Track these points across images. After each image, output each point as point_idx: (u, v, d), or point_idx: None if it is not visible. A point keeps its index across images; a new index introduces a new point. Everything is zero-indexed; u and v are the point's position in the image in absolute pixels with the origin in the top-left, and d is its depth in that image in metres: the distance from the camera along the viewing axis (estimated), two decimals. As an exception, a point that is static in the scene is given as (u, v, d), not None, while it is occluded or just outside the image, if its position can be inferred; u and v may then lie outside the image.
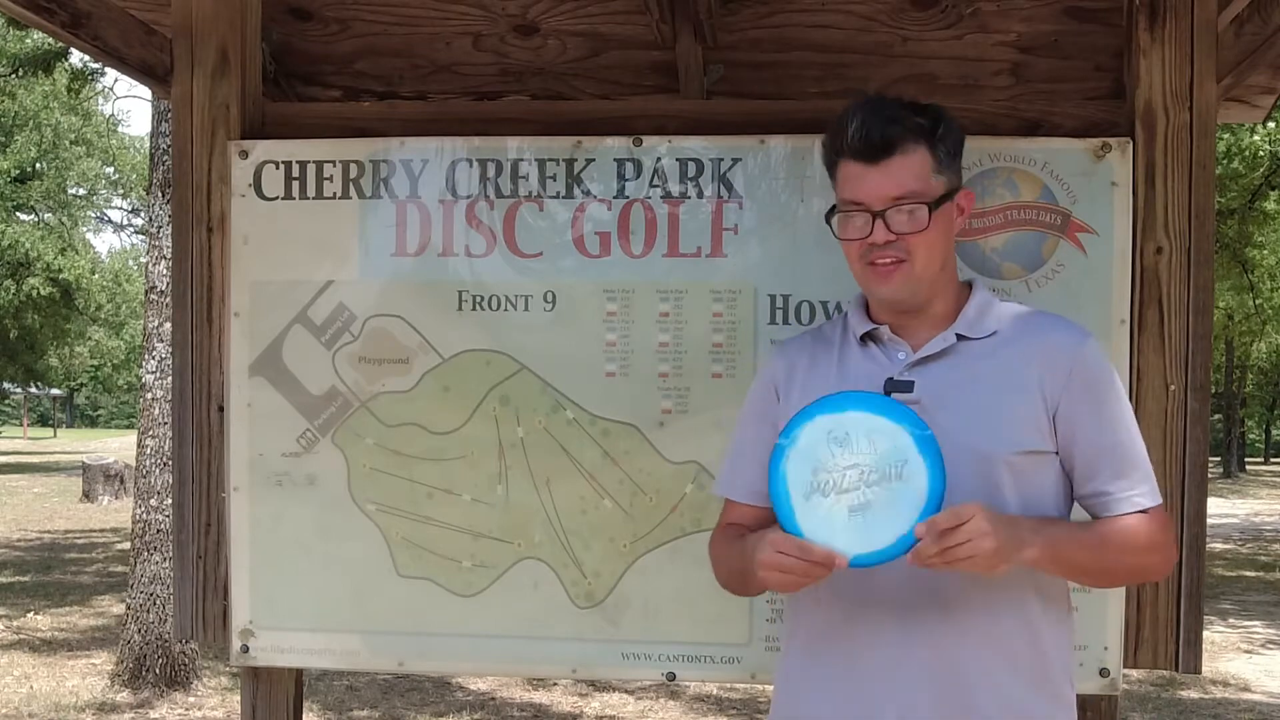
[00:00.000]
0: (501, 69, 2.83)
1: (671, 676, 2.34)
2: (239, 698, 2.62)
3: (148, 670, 6.23)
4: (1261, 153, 11.48)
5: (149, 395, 6.51)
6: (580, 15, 2.68)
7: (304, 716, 2.65)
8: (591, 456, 2.33)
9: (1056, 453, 1.65)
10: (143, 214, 22.35)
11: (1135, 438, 1.68)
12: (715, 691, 6.40)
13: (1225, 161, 11.66)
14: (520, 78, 2.85)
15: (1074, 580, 1.73)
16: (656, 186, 2.33)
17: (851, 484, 1.52)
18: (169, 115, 5.47)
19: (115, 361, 37.98)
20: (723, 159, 2.31)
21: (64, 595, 9.35)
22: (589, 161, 2.34)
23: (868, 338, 1.72)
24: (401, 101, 2.87)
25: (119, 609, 7.80)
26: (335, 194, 2.40)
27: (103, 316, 30.26)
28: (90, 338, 33.15)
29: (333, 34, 2.79)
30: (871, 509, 1.51)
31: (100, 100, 27.98)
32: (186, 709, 6.07)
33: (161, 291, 6.34)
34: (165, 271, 6.15)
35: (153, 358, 6.46)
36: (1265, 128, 10.78)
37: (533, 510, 2.35)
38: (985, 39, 2.61)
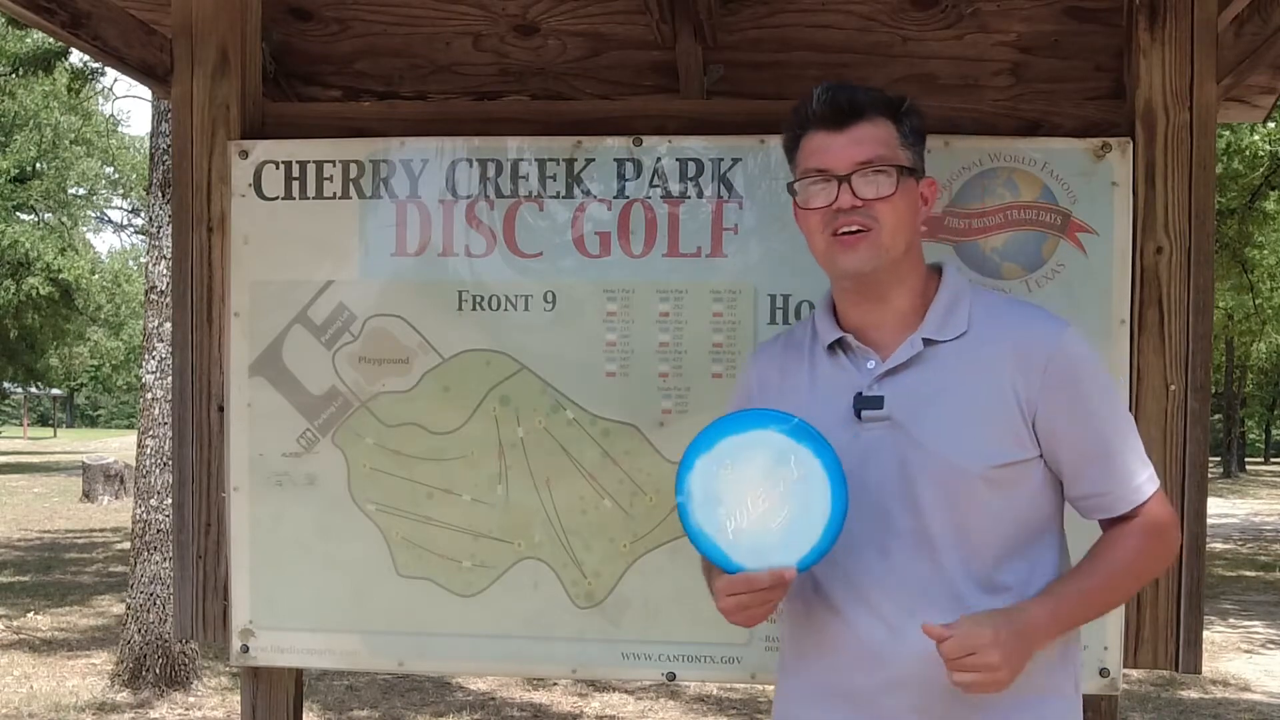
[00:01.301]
0: (501, 69, 2.84)
1: (671, 676, 2.34)
2: (239, 698, 2.62)
3: (148, 670, 6.23)
4: (1261, 152, 11.48)
5: (149, 395, 6.51)
6: (580, 15, 2.68)
7: (304, 716, 2.65)
8: (591, 456, 2.33)
9: (1040, 456, 1.59)
10: (143, 214, 22.36)
11: (1123, 427, 1.62)
12: (715, 691, 6.40)
13: (1225, 161, 11.67)
14: (520, 78, 2.85)
15: None
16: (656, 186, 2.33)
17: (757, 503, 1.53)
18: (169, 115, 5.47)
19: (115, 361, 37.98)
20: (723, 159, 2.31)
21: (64, 595, 9.35)
22: (589, 161, 2.34)
23: (836, 345, 1.67)
24: (401, 101, 2.87)
25: (119, 609, 7.80)
26: (335, 194, 2.40)
27: (103, 316, 30.26)
28: (89, 338, 33.15)
29: (333, 34, 2.80)
30: (789, 514, 1.52)
31: (100, 100, 27.95)
32: (186, 709, 6.07)
33: (161, 291, 6.34)
34: (165, 271, 6.15)
35: (153, 358, 6.46)
36: (1265, 127, 10.77)
37: (533, 510, 2.35)
38: (985, 39, 2.62)
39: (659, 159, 2.33)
